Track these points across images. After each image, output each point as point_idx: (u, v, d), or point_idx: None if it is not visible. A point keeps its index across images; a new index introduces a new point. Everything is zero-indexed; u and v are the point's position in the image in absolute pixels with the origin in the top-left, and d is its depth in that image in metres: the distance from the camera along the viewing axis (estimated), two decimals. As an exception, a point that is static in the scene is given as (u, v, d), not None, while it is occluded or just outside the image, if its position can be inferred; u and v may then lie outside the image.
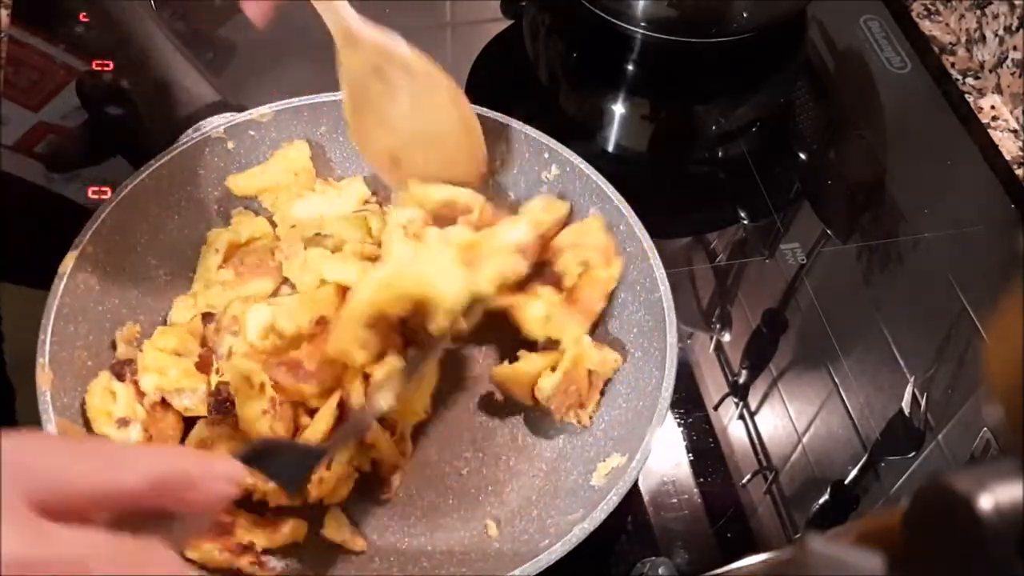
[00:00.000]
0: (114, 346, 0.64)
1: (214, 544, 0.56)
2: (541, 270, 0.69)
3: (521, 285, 0.69)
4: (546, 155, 0.72)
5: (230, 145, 0.70)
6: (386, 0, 0.97)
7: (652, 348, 0.65)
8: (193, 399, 0.62)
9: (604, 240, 0.68)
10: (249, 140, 0.71)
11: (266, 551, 0.58)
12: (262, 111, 0.71)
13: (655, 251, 0.67)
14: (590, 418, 0.66)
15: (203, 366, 0.64)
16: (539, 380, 0.65)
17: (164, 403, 0.62)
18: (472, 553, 0.61)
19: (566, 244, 0.68)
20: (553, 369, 0.65)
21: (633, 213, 0.68)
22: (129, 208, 0.65)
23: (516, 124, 0.72)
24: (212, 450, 0.60)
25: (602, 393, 0.67)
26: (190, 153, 0.68)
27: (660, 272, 0.66)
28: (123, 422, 0.59)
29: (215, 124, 0.70)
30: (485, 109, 0.72)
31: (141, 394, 0.62)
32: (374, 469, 0.63)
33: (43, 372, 0.57)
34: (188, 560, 0.56)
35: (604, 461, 0.62)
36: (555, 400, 0.64)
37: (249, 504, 0.60)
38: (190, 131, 0.70)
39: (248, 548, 0.57)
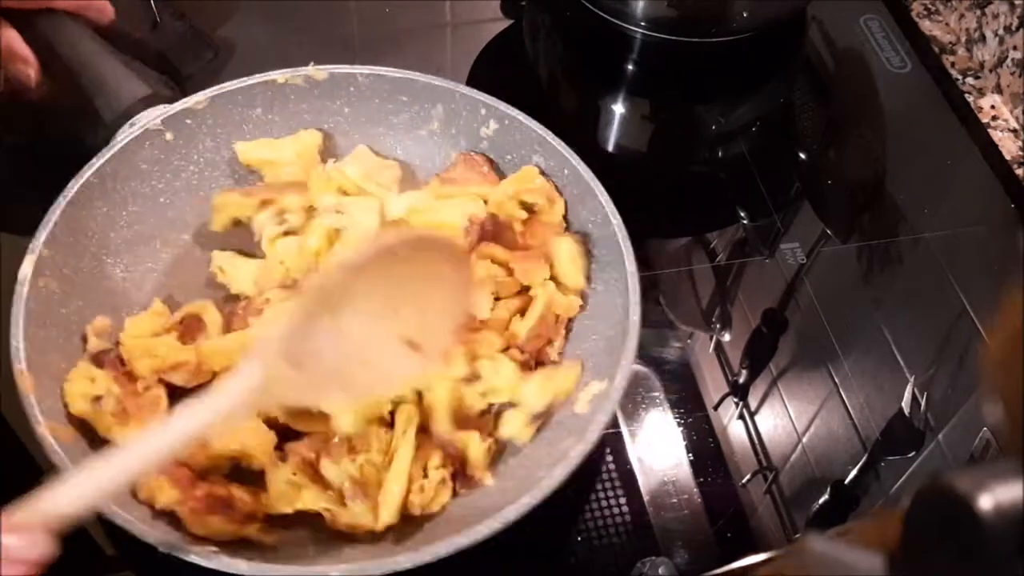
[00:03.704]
0: (84, 340, 0.64)
1: (219, 517, 0.56)
2: (489, 232, 0.71)
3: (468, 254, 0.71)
4: (483, 111, 0.73)
5: (168, 136, 0.70)
6: (386, 0, 0.97)
7: (612, 279, 0.67)
8: (186, 374, 0.63)
9: (543, 184, 0.71)
10: (187, 129, 0.71)
11: (266, 517, 0.59)
12: (196, 98, 0.71)
13: (601, 187, 0.69)
14: (560, 353, 0.68)
15: (185, 337, 0.65)
16: (511, 326, 0.67)
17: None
18: (470, 503, 0.61)
19: (507, 195, 0.71)
20: (522, 314, 0.68)
21: (575, 155, 0.70)
22: (78, 208, 0.65)
23: (449, 83, 0.74)
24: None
25: (570, 329, 0.69)
26: (131, 148, 0.68)
27: (610, 207, 0.68)
28: (96, 399, 0.60)
29: (151, 116, 0.70)
30: (415, 73, 0.74)
31: (127, 378, 0.62)
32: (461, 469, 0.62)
33: (23, 377, 0.57)
34: (196, 537, 0.56)
35: (584, 390, 0.63)
36: (529, 344, 0.66)
37: (240, 475, 0.60)
38: (126, 127, 0.70)
39: (252, 516, 0.58)
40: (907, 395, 0.72)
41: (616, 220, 0.67)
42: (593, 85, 0.95)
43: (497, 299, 0.69)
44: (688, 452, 0.69)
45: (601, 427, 0.58)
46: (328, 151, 0.76)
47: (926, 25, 1.00)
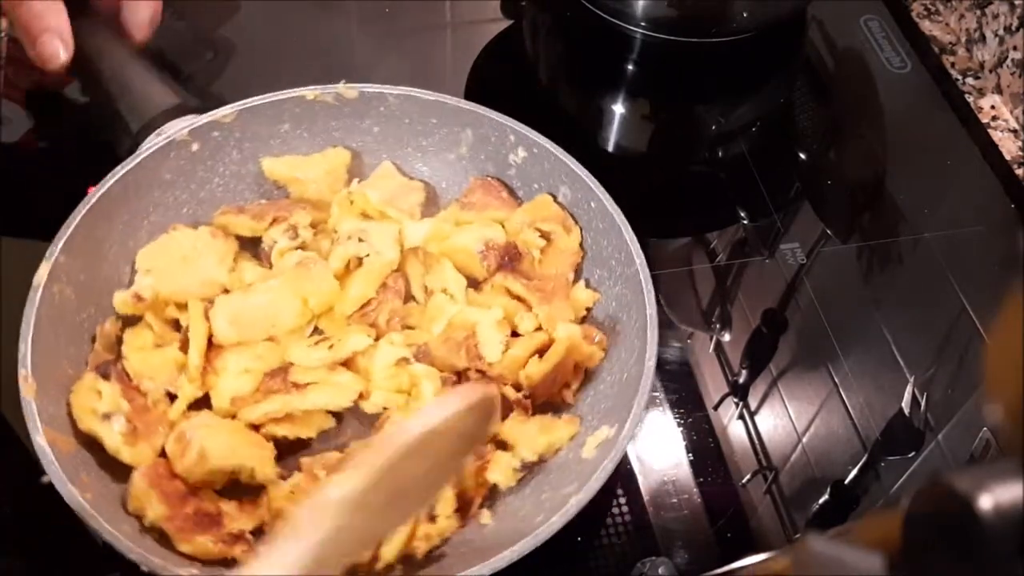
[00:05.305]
0: (93, 341, 0.63)
1: (206, 537, 0.56)
2: (507, 259, 0.70)
3: (480, 284, 0.71)
4: (512, 138, 0.72)
5: (194, 147, 0.69)
6: (386, 0, 0.97)
7: (632, 321, 0.65)
8: (193, 387, 0.63)
9: (558, 211, 0.71)
10: (213, 141, 0.70)
11: (253, 532, 0.58)
12: (224, 111, 0.70)
13: (627, 225, 0.67)
14: (574, 396, 0.66)
15: (186, 347, 0.64)
16: (527, 367, 0.65)
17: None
18: (465, 543, 0.60)
19: (523, 223, 0.70)
20: (540, 355, 0.65)
21: (602, 188, 0.69)
22: (99, 217, 0.65)
23: (480, 109, 0.73)
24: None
25: (585, 371, 0.67)
26: (156, 158, 0.68)
27: (635, 245, 0.66)
28: (106, 416, 0.59)
29: (178, 127, 0.69)
30: (446, 96, 0.73)
31: (135, 391, 0.61)
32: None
33: (26, 383, 0.57)
34: (182, 555, 0.55)
35: (593, 435, 0.62)
36: (541, 387, 0.64)
37: (230, 491, 0.60)
38: (152, 136, 0.69)
39: (239, 537, 0.57)
40: (907, 395, 0.72)
41: (640, 260, 0.65)
42: (593, 85, 0.95)
43: (515, 335, 0.67)
44: (688, 452, 0.69)
45: (606, 475, 0.57)
46: (355, 170, 0.75)
47: (926, 25, 1.00)
